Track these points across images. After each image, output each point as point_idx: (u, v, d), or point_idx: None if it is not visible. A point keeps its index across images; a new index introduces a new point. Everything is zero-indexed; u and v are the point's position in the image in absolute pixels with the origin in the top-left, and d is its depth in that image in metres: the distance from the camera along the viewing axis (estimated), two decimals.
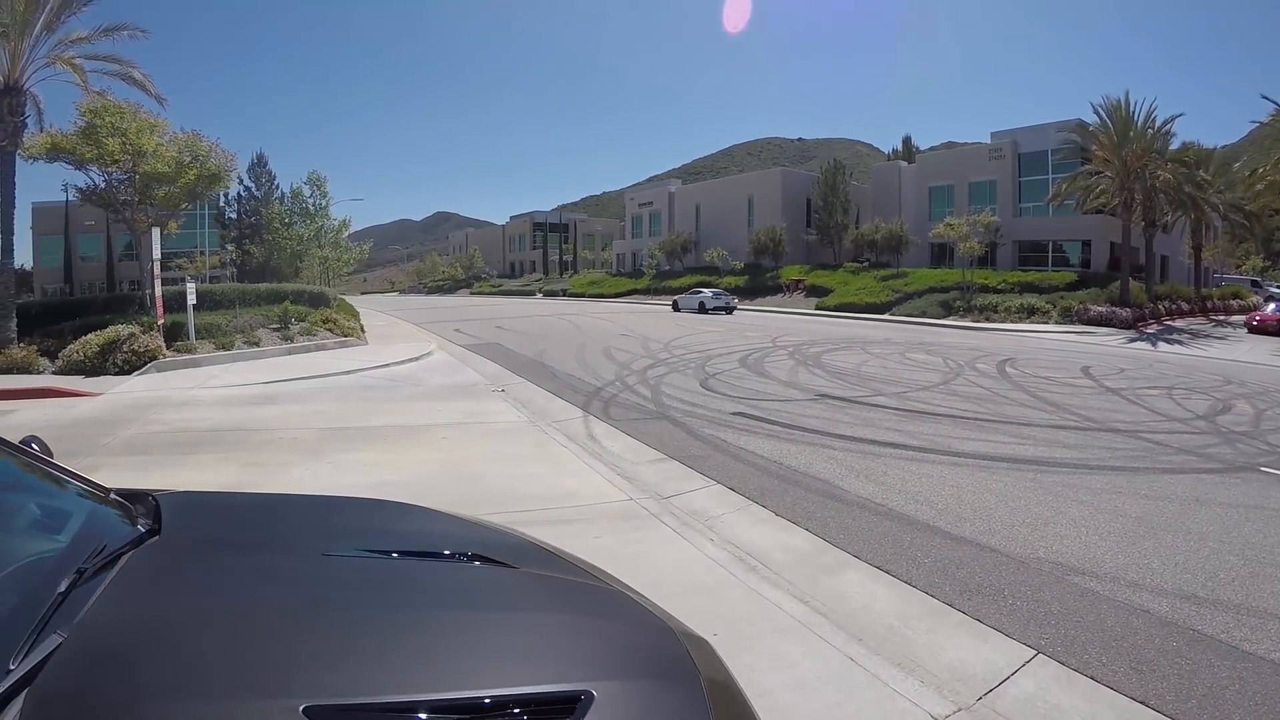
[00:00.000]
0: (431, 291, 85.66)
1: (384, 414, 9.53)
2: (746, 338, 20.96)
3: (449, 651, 1.48)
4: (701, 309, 34.61)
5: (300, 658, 1.40)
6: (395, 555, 1.93)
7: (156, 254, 14.28)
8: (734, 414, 9.48)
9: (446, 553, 1.98)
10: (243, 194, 46.03)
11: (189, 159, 16.31)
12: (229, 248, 43.58)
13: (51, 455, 2.36)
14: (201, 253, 44.07)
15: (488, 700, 1.32)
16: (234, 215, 46.24)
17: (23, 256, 49.66)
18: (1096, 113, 30.27)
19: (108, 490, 2.13)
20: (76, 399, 10.76)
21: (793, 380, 12.53)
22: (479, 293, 74.30)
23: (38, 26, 14.10)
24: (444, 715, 1.28)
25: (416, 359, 15.75)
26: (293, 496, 2.62)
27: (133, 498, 2.13)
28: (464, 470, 6.61)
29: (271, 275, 35.65)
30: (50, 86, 15.70)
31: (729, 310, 35.12)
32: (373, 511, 2.43)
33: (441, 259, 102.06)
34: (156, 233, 14.31)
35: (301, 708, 1.21)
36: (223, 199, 45.38)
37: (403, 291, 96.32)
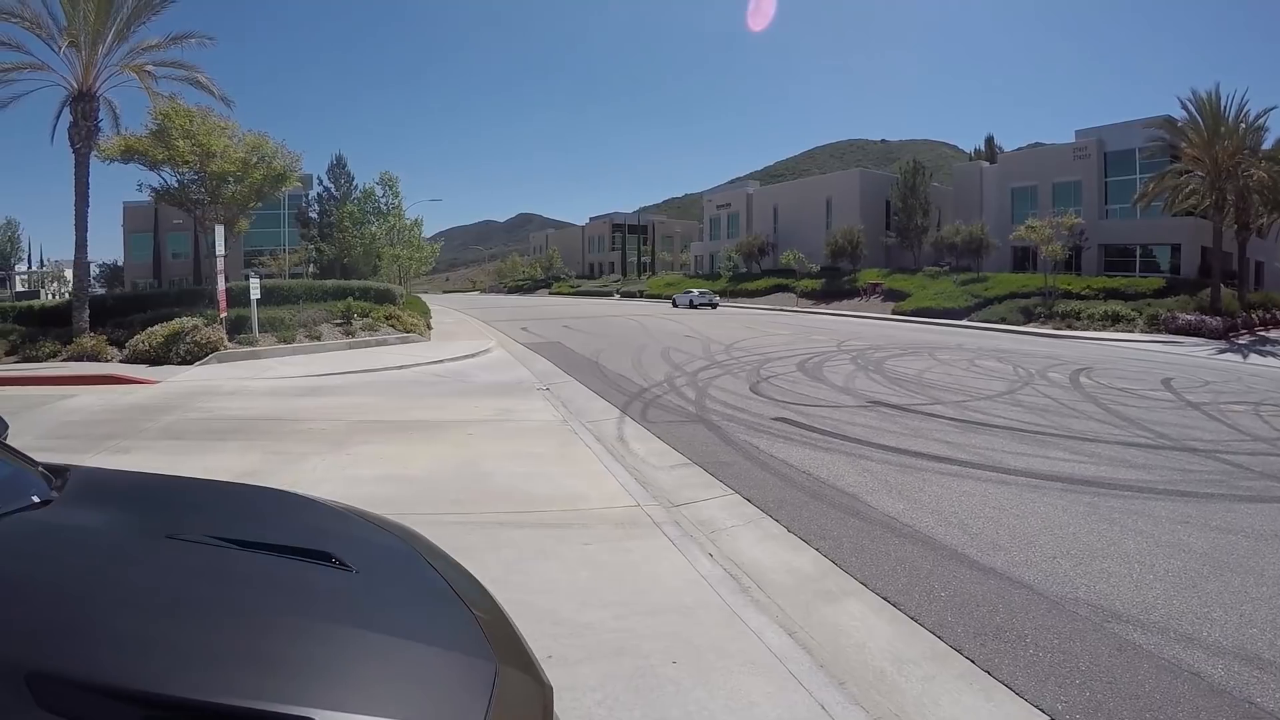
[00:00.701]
0: (511, 291, 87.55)
1: (420, 409, 9.57)
2: (812, 341, 20.41)
3: (205, 650, 1.41)
4: (691, 305, 43.10)
5: (62, 630, 1.38)
6: (235, 545, 1.89)
7: (220, 250, 14.83)
8: (775, 419, 9.07)
9: (297, 548, 1.92)
10: (323, 194, 47.64)
11: (255, 159, 16.88)
12: (308, 245, 45.18)
13: (6, 429, 2.57)
14: (283, 250, 45.93)
15: (208, 706, 1.25)
16: (314, 215, 47.87)
17: (115, 253, 53.70)
18: (1185, 107, 27.82)
19: (37, 464, 2.29)
20: (136, 386, 11.24)
21: (848, 386, 11.99)
22: (557, 293, 75.35)
23: (109, 37, 14.90)
24: (156, 712, 1.23)
25: (472, 356, 15.91)
26: (194, 481, 2.65)
27: (55, 471, 2.26)
28: (476, 467, 6.51)
29: (349, 273, 36.78)
30: (123, 91, 16.58)
31: (713, 306, 43.39)
32: (256, 501, 2.48)
33: (522, 259, 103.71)
34: (220, 230, 14.86)
35: (24, 674, 1.21)
36: (304, 199, 47.12)
37: (483, 291, 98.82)
